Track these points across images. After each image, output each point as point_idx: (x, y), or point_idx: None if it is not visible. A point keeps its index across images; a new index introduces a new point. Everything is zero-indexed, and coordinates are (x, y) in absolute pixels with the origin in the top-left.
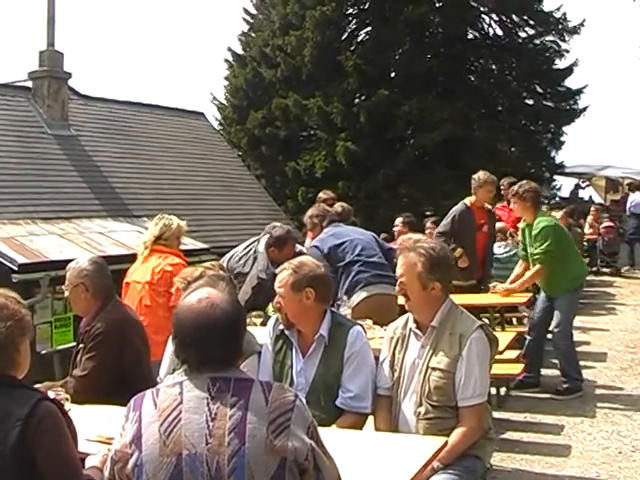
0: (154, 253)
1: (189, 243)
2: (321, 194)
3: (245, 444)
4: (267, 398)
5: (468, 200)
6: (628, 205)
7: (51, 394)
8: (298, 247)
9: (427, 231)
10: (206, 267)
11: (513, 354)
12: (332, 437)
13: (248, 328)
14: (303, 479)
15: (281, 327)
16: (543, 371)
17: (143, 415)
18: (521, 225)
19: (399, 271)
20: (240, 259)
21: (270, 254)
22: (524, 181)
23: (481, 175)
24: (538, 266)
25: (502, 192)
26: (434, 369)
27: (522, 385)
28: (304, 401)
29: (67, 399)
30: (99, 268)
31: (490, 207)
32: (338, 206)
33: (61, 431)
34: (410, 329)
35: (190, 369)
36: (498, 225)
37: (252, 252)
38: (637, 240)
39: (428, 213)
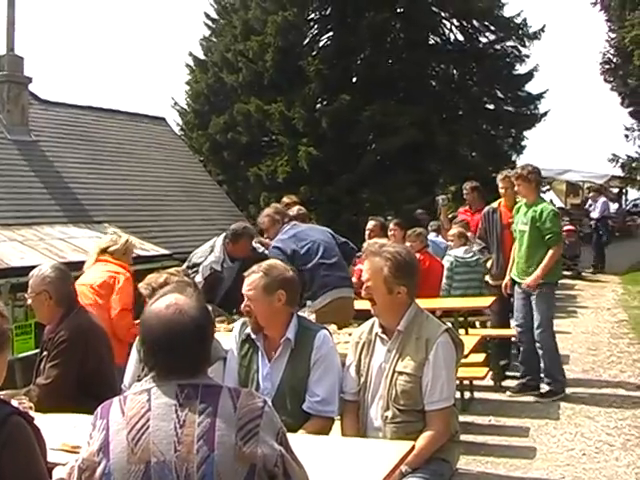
0: (98, 262)
1: (151, 249)
2: (285, 199)
3: (214, 451)
4: (236, 404)
5: (498, 202)
6: (600, 209)
7: (14, 403)
8: (260, 248)
9: (390, 233)
10: (170, 273)
11: (478, 357)
12: (300, 443)
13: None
14: None
15: (247, 331)
16: (507, 373)
17: (111, 423)
18: (517, 204)
19: (365, 275)
20: (201, 255)
21: (226, 246)
22: (525, 163)
23: (499, 176)
24: (555, 247)
25: (464, 196)
26: (400, 373)
27: (525, 389)
28: (272, 408)
29: (31, 407)
30: (62, 275)
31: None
32: (297, 208)
33: (30, 448)
34: (376, 334)
35: (158, 376)
36: (459, 229)
37: (210, 246)
38: (608, 243)
39: (390, 217)
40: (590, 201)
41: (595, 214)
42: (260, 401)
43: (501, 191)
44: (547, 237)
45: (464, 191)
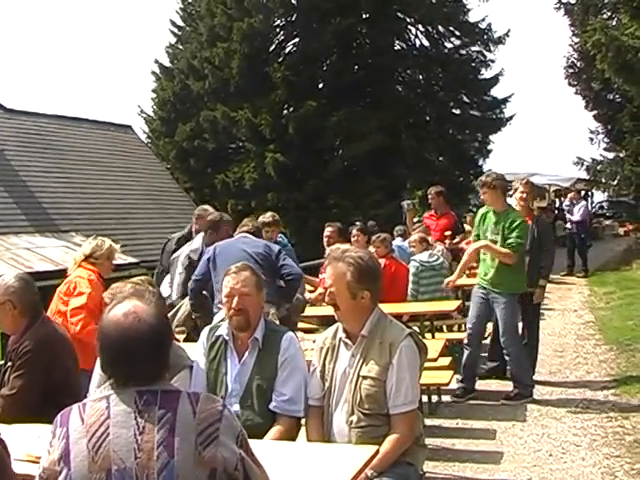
0: (79, 268)
1: (119, 257)
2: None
3: (174, 457)
4: (195, 409)
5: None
6: (583, 212)
7: None
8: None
9: (353, 239)
10: (135, 282)
11: (445, 361)
12: (265, 448)
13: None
14: None
15: (218, 333)
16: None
17: (70, 431)
18: (482, 210)
19: (328, 281)
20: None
21: (208, 237)
22: (488, 171)
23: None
24: (510, 252)
25: (430, 201)
26: (365, 377)
27: (463, 394)
28: (232, 411)
29: None
30: (25, 285)
31: (540, 213)
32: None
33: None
34: (340, 339)
35: (116, 383)
36: (419, 235)
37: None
38: (590, 246)
39: (357, 223)
40: (567, 202)
41: (576, 217)
42: (219, 405)
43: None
44: (509, 242)
45: (429, 196)
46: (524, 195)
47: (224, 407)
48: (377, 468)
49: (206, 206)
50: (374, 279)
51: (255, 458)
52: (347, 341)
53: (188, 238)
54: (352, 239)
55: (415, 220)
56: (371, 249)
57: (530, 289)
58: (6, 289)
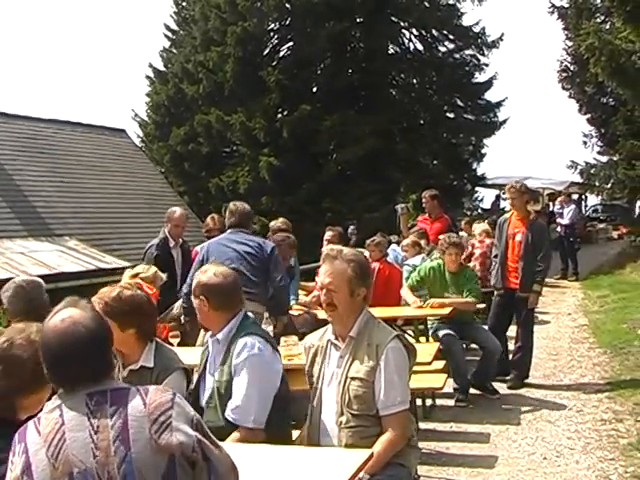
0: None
1: (112, 262)
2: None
3: (131, 449)
4: (145, 401)
5: (510, 212)
6: (571, 215)
7: None
8: None
9: (351, 241)
10: (123, 287)
11: (439, 365)
12: (257, 453)
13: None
14: (195, 472)
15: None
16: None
17: (29, 445)
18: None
19: (326, 280)
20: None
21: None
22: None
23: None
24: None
25: (423, 205)
26: (353, 378)
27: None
28: (183, 399)
29: None
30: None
31: (536, 217)
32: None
33: None
34: (328, 340)
35: (65, 390)
36: (412, 239)
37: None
38: (579, 249)
39: (352, 227)
40: (558, 205)
41: (565, 220)
42: (169, 394)
43: (509, 202)
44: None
45: (423, 199)
46: (510, 200)
47: (174, 395)
48: (370, 470)
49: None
50: (370, 277)
51: (214, 440)
52: (336, 342)
53: (166, 242)
54: (350, 242)
55: (409, 225)
56: (365, 252)
57: (523, 294)
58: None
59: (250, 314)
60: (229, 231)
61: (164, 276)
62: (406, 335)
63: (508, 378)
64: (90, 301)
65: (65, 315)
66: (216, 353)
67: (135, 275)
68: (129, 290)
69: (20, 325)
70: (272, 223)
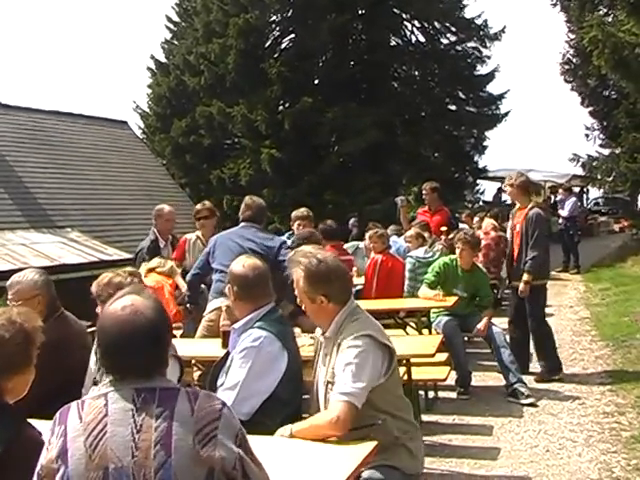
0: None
1: (114, 253)
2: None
3: (171, 456)
4: (193, 407)
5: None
6: (570, 208)
7: None
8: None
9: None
10: (117, 273)
11: (442, 357)
12: (262, 445)
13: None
14: None
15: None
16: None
17: (69, 429)
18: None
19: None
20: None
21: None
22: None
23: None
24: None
25: (424, 197)
26: (330, 382)
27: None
28: (232, 409)
29: None
30: (48, 279)
31: (534, 206)
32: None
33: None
34: (322, 335)
35: (114, 379)
36: (415, 230)
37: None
38: (579, 242)
39: (353, 219)
40: (559, 197)
41: (564, 213)
42: (218, 403)
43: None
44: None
45: (423, 192)
46: (508, 192)
47: (223, 405)
48: (296, 431)
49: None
50: (327, 281)
51: (254, 457)
52: (322, 340)
53: (156, 243)
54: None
55: (409, 216)
56: (370, 245)
57: (515, 283)
58: (34, 283)
59: (280, 310)
60: (241, 225)
61: (178, 270)
62: (408, 327)
63: (538, 373)
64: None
65: (127, 302)
66: (233, 342)
67: (152, 269)
68: (119, 277)
69: (0, 309)
70: (294, 213)
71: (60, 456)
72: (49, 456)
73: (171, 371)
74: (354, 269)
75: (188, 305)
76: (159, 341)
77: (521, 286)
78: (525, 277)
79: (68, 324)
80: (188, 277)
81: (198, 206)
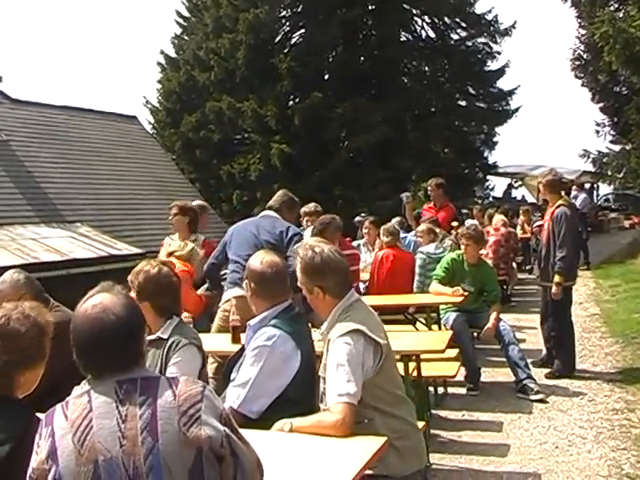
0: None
1: (124, 248)
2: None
3: (158, 441)
4: (175, 392)
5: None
6: (581, 204)
7: None
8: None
9: (365, 230)
10: (148, 263)
11: (452, 353)
12: (269, 441)
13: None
14: (222, 467)
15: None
16: (482, 371)
17: (55, 429)
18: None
19: None
20: None
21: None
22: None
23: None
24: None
25: (429, 193)
26: (322, 377)
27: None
28: (213, 392)
29: None
30: (28, 275)
31: (561, 204)
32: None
33: None
34: None
35: (93, 376)
36: (427, 225)
37: None
38: (588, 239)
39: (363, 214)
40: (573, 194)
41: None
42: (199, 386)
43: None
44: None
45: (428, 188)
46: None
47: (204, 388)
48: (297, 427)
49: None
50: (322, 274)
51: (241, 435)
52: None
53: None
54: (364, 231)
55: (415, 213)
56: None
57: (545, 284)
58: (16, 283)
59: (297, 308)
60: (261, 214)
61: (200, 253)
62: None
63: (551, 369)
64: (125, 287)
65: (97, 301)
66: (248, 338)
67: (171, 253)
68: (147, 266)
69: (11, 303)
70: (303, 208)
71: (50, 456)
72: (39, 458)
73: (193, 361)
74: (362, 264)
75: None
76: (131, 336)
77: (554, 289)
78: (556, 279)
79: (65, 315)
80: (205, 267)
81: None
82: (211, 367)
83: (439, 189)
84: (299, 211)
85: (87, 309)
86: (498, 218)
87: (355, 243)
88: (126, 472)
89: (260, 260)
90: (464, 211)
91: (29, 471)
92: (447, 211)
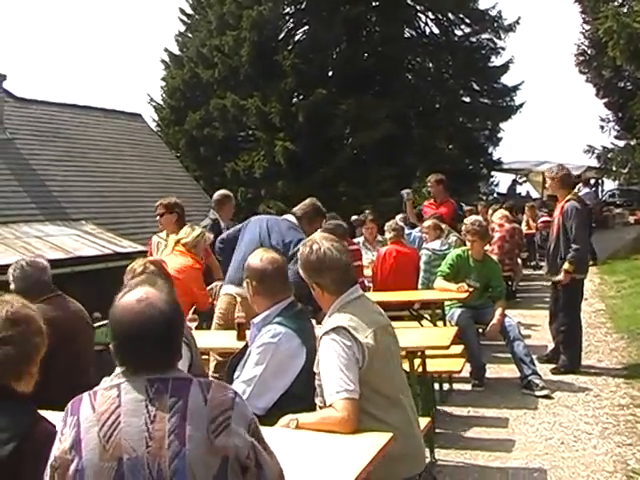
0: (174, 251)
1: (128, 246)
2: None
3: (185, 446)
4: (206, 397)
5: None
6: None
7: None
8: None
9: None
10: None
11: (457, 349)
12: (274, 436)
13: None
14: (245, 477)
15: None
16: (487, 367)
17: (81, 420)
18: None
19: None
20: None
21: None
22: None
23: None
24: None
25: (429, 189)
26: (315, 373)
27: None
28: (243, 399)
29: None
30: (21, 268)
31: (570, 199)
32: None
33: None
34: None
35: (128, 371)
36: (433, 221)
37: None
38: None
39: (367, 211)
40: (582, 190)
41: None
42: (231, 392)
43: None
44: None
45: (429, 184)
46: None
47: (235, 395)
48: (302, 423)
49: None
50: (318, 272)
51: (267, 446)
52: None
53: (217, 223)
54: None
55: (415, 210)
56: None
57: (552, 277)
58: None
59: (299, 305)
60: (285, 215)
61: (210, 237)
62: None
63: (556, 365)
64: (167, 280)
65: (142, 295)
66: (253, 336)
67: (178, 241)
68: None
69: (8, 296)
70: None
71: (74, 447)
72: (62, 447)
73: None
74: (366, 262)
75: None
76: (172, 334)
77: (562, 276)
78: (566, 266)
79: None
80: (216, 246)
81: (158, 202)
82: (211, 365)
83: (439, 185)
84: (322, 223)
85: (132, 303)
86: (499, 214)
87: (355, 241)
88: (150, 474)
89: (260, 258)
90: (467, 208)
91: (51, 459)
92: (448, 207)
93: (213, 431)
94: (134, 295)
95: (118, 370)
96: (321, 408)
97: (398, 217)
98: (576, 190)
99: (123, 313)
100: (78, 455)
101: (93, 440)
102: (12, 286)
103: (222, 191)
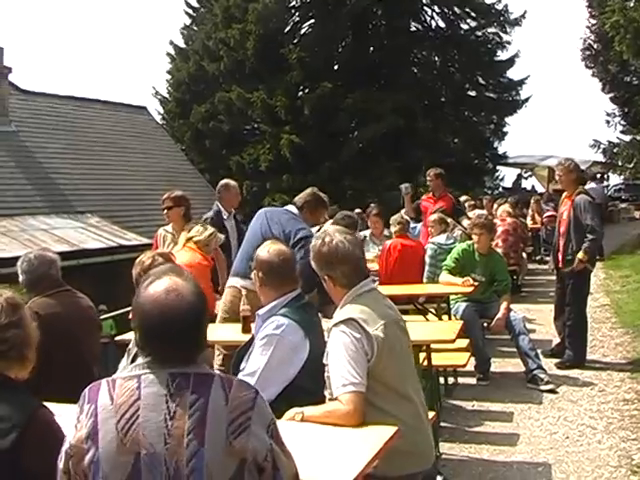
0: (184, 247)
1: (133, 239)
2: None
3: (204, 445)
4: (227, 396)
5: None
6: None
7: None
8: None
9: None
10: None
11: (462, 343)
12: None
13: None
14: (261, 478)
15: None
16: (492, 361)
17: (99, 409)
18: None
19: None
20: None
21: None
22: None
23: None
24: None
25: (428, 183)
26: (324, 364)
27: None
28: (264, 399)
29: None
30: (28, 262)
31: (580, 192)
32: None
33: (58, 441)
34: None
35: (151, 362)
36: (439, 215)
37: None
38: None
39: (373, 205)
40: (589, 185)
41: None
42: (252, 392)
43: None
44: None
45: (427, 178)
46: (558, 178)
47: (257, 394)
48: (308, 417)
49: None
50: (329, 264)
51: (285, 448)
52: None
53: (219, 214)
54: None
55: (414, 205)
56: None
57: (564, 269)
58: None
59: (306, 297)
60: (287, 207)
61: (221, 237)
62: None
63: (561, 359)
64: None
65: (170, 286)
66: (258, 328)
67: (189, 239)
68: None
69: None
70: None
71: (90, 436)
72: (78, 435)
73: None
74: (372, 255)
75: None
76: (200, 327)
77: (576, 264)
78: (580, 255)
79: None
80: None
81: (164, 195)
82: (217, 359)
83: (438, 179)
84: (326, 213)
85: (159, 293)
86: (502, 209)
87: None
88: (167, 471)
89: (267, 249)
90: (471, 203)
91: (66, 446)
92: (446, 201)
93: (232, 432)
94: (162, 284)
95: (140, 360)
96: (330, 400)
97: (403, 210)
98: (589, 185)
99: (151, 303)
100: (95, 446)
101: (111, 432)
102: (20, 278)
103: (222, 181)
